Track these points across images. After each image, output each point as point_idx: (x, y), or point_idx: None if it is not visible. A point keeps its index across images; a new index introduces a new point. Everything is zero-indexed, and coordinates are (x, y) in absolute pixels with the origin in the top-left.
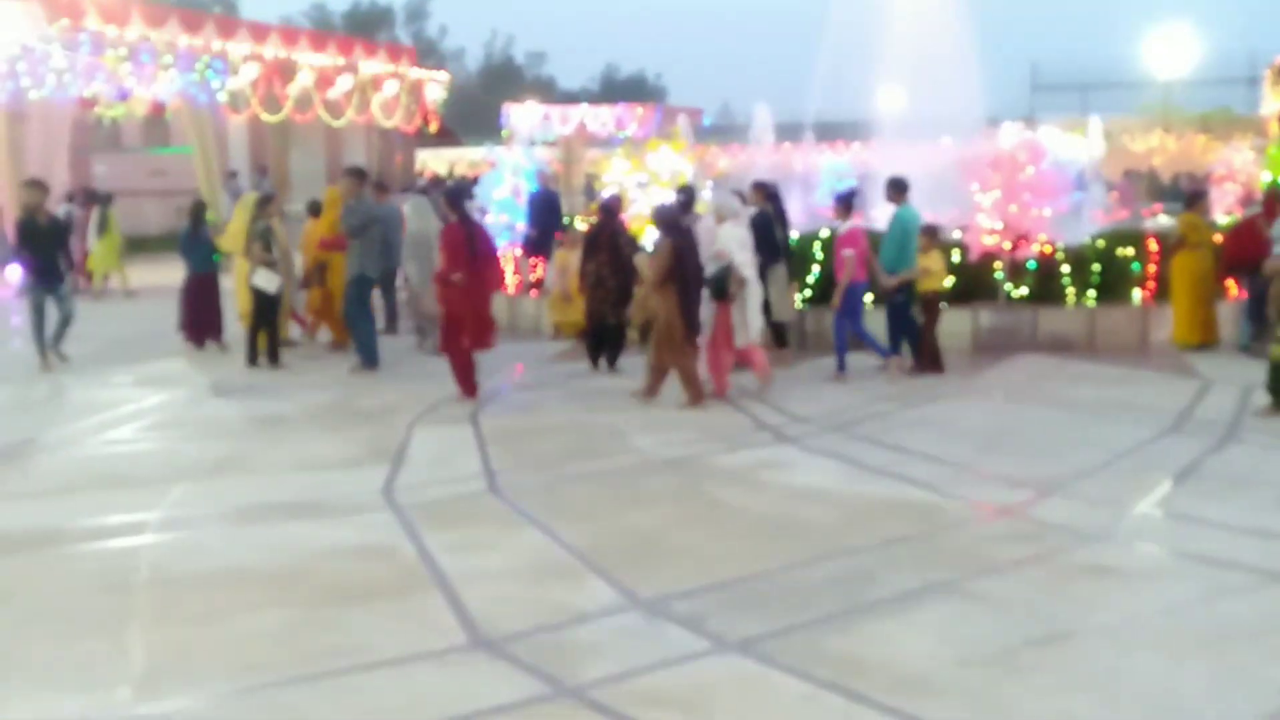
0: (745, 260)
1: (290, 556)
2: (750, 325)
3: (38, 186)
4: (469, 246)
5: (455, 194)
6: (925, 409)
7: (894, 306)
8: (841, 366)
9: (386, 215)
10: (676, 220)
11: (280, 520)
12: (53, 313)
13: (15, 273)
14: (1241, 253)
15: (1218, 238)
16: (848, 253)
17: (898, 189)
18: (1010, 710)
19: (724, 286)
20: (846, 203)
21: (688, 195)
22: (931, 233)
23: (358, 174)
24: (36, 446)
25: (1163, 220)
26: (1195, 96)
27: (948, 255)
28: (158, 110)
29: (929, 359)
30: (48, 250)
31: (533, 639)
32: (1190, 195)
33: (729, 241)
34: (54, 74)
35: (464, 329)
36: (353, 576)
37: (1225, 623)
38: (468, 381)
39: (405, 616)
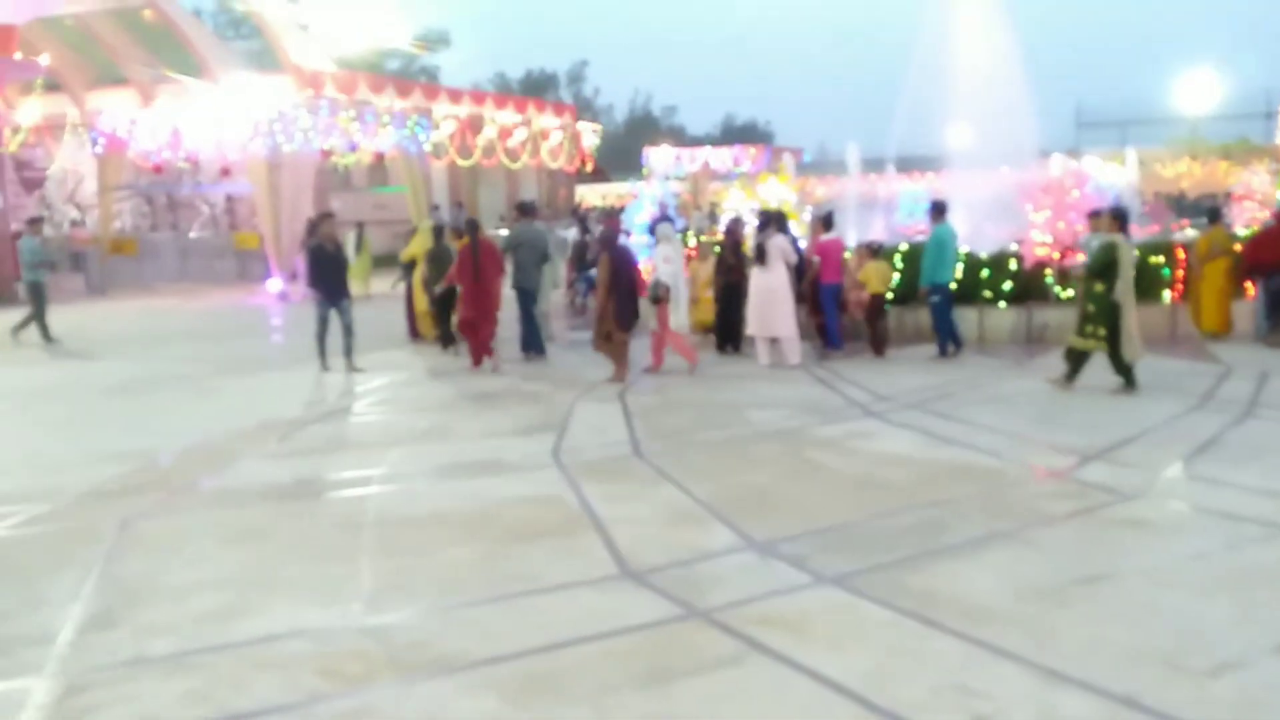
0: (670, 271)
1: (480, 504)
2: (678, 312)
3: (331, 218)
4: (473, 264)
5: (470, 225)
6: (988, 390)
7: (932, 306)
8: (836, 345)
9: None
10: (614, 240)
11: (473, 476)
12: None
13: (276, 284)
14: (1260, 257)
15: (1237, 246)
16: (815, 259)
17: (938, 210)
18: (1058, 636)
19: (656, 294)
20: (827, 222)
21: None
22: (873, 249)
23: (520, 207)
24: (292, 419)
25: (1189, 233)
26: (1218, 129)
27: (890, 266)
28: (378, 158)
29: (874, 346)
30: (335, 271)
31: (669, 571)
32: (1211, 211)
33: (657, 259)
34: (301, 132)
35: (475, 321)
36: (529, 520)
37: (1244, 568)
38: (477, 356)
39: (569, 552)
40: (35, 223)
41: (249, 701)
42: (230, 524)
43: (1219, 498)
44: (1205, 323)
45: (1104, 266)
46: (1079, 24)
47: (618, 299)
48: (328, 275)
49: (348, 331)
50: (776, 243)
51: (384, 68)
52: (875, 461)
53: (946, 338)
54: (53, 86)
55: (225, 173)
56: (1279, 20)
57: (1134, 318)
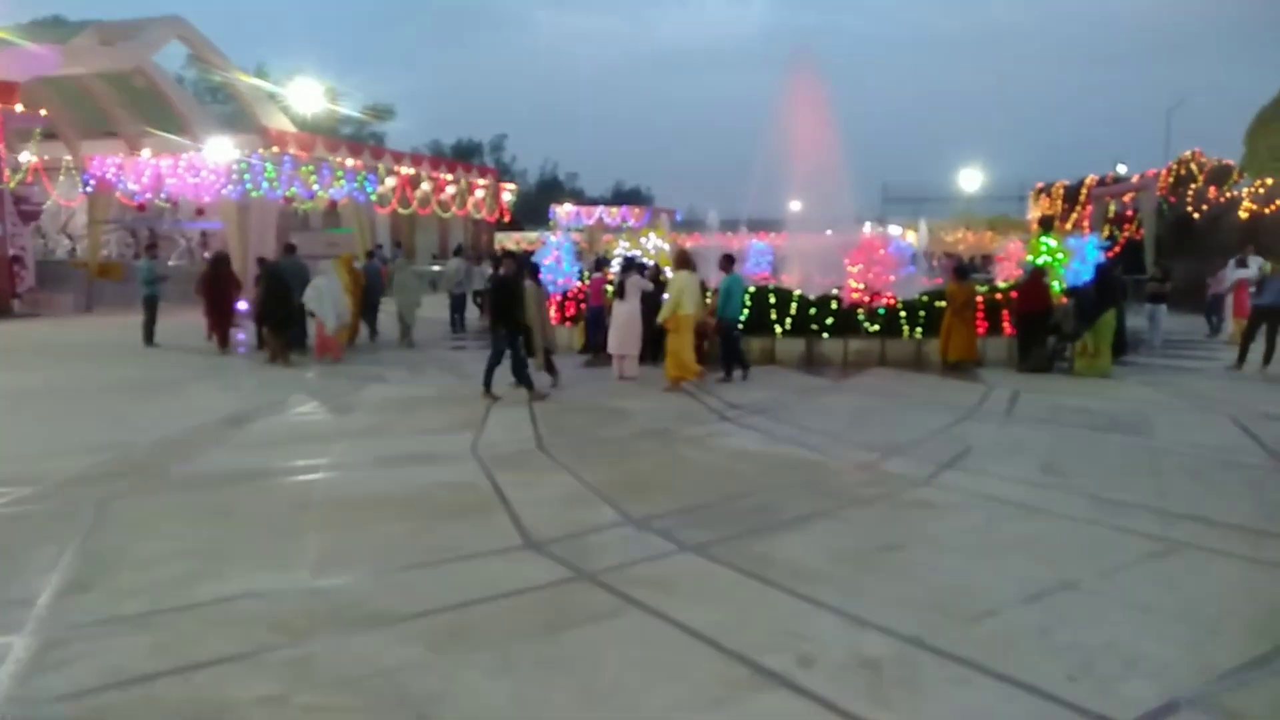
0: (314, 295)
1: (411, 488)
2: (327, 324)
3: (513, 258)
4: (213, 282)
5: (216, 260)
6: (815, 401)
7: (723, 337)
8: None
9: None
10: (219, 269)
11: (405, 465)
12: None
13: (241, 306)
14: (1017, 305)
15: (979, 296)
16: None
17: (729, 261)
18: (864, 590)
19: (307, 310)
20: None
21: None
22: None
23: (286, 247)
24: (252, 416)
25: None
26: (986, 206)
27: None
28: (332, 205)
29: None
30: (516, 307)
31: (563, 542)
32: (959, 270)
33: (309, 289)
34: (267, 181)
35: (217, 320)
36: (451, 501)
37: (1002, 538)
38: (223, 343)
39: (483, 527)
40: (151, 248)
41: (207, 653)
42: (195, 504)
43: (984, 485)
44: (952, 353)
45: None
46: (888, 122)
47: (218, 314)
48: (512, 310)
49: (522, 363)
50: (633, 281)
51: (339, 132)
52: (728, 456)
53: (733, 363)
54: (50, 135)
55: (200, 212)
56: (1029, 127)
57: (540, 337)
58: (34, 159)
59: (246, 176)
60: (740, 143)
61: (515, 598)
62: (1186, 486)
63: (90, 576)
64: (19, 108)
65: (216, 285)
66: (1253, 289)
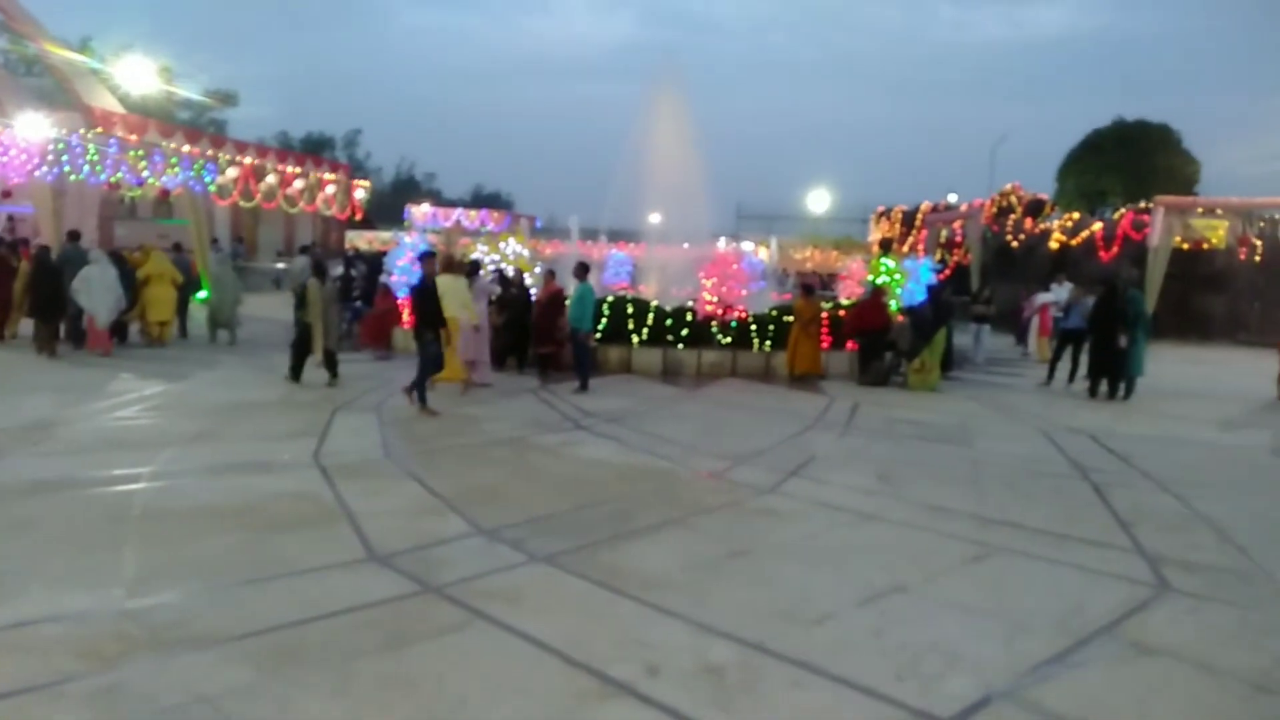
0: (81, 286)
1: (245, 499)
2: (98, 319)
3: (431, 258)
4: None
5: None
6: (670, 409)
7: (575, 346)
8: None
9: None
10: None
11: (239, 474)
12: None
13: None
14: (858, 323)
15: (824, 313)
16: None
17: (583, 270)
18: (712, 597)
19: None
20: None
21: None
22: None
23: (69, 234)
24: (58, 420)
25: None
26: (832, 227)
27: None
28: (164, 194)
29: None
30: (435, 307)
31: (410, 555)
32: (806, 287)
33: (78, 278)
34: (88, 164)
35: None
36: (289, 512)
37: (840, 544)
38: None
39: (324, 539)
40: None
41: None
42: None
43: (825, 493)
44: (798, 366)
45: (300, 300)
46: (744, 141)
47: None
48: (436, 313)
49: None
50: (480, 285)
51: (176, 116)
52: (582, 464)
53: (587, 372)
54: None
55: (7, 194)
56: (873, 153)
57: (320, 335)
58: None
59: (64, 158)
60: (602, 153)
61: (356, 613)
62: (1001, 494)
63: None
64: None
65: None
66: (1059, 313)
